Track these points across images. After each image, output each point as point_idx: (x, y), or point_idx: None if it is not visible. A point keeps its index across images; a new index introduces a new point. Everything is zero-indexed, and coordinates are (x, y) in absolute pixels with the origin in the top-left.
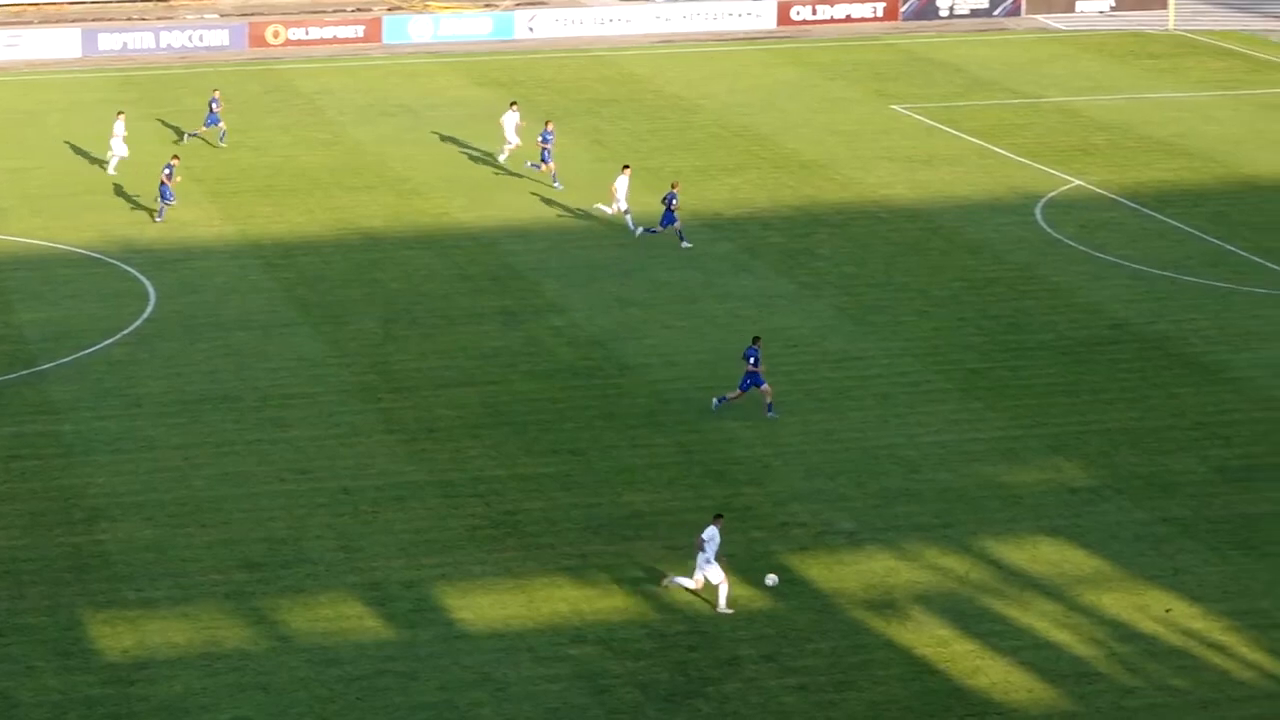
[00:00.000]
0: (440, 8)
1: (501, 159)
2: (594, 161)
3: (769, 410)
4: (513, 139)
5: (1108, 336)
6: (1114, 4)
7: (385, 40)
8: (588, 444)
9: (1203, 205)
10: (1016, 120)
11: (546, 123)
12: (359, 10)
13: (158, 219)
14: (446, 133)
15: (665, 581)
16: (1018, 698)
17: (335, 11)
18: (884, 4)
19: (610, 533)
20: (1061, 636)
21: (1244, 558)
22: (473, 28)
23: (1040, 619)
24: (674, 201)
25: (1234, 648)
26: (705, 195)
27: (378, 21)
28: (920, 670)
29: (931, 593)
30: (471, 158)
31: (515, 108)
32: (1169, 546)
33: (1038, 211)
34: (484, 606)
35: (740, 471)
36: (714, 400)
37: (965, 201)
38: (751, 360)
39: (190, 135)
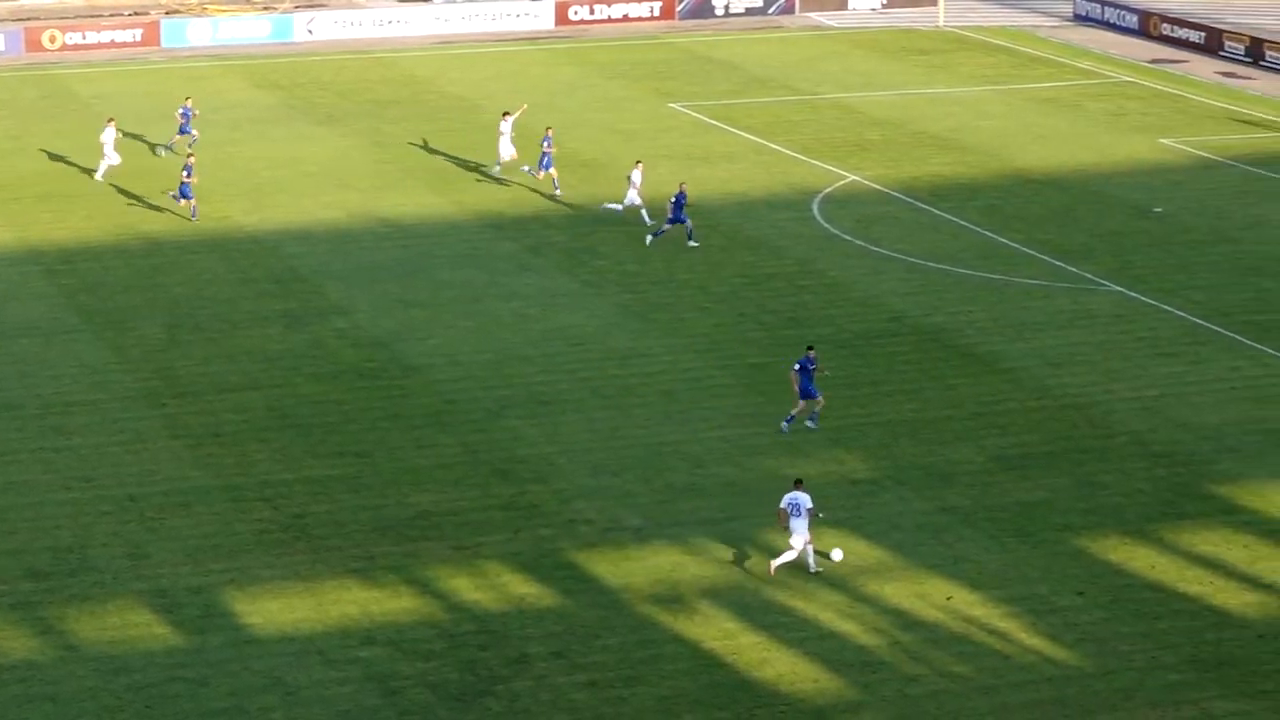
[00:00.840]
0: (219, 10)
1: (495, 170)
2: (376, 163)
3: (811, 420)
4: (508, 151)
5: (886, 330)
6: (885, 2)
7: (164, 44)
8: (373, 446)
9: (976, 199)
10: (793, 117)
11: (547, 129)
12: (136, 14)
13: (193, 218)
14: (227, 136)
15: (773, 571)
16: (804, 688)
17: (112, 15)
18: (660, 3)
19: (398, 534)
20: (846, 627)
21: (1021, 545)
22: (252, 30)
23: (825, 610)
24: (683, 201)
25: (1013, 633)
26: (488, 195)
27: (155, 25)
28: (708, 663)
29: (718, 586)
30: (252, 161)
31: (508, 117)
32: (949, 535)
33: (815, 207)
34: (273, 611)
35: (526, 470)
36: (783, 424)
37: (743, 198)
38: (806, 369)
39: (165, 148)
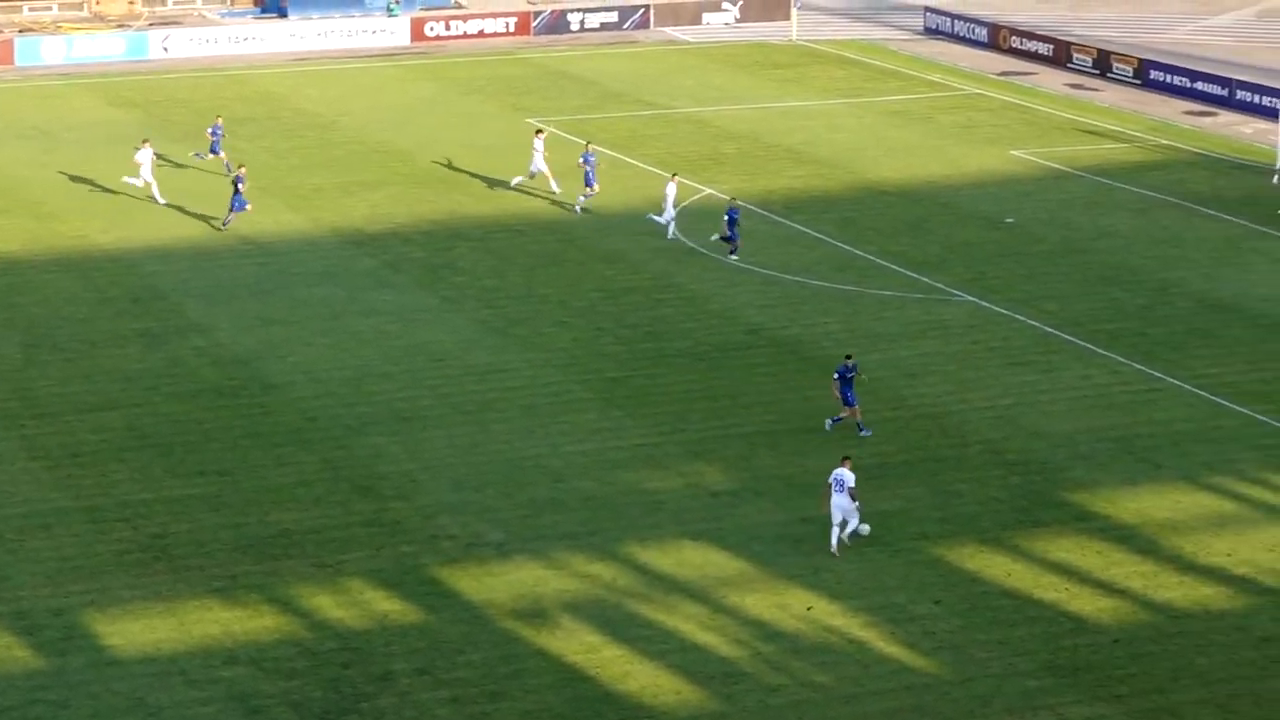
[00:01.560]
0: (73, 29)
1: (515, 182)
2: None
3: (861, 429)
4: (541, 166)
5: (743, 342)
6: (739, 16)
7: (18, 63)
8: (234, 464)
9: (830, 211)
10: (649, 131)
11: (587, 144)
12: None
13: (223, 226)
14: (83, 155)
15: (835, 552)
16: (666, 700)
17: None
18: (516, 19)
19: (259, 552)
20: (707, 638)
21: (879, 554)
22: (106, 48)
23: (687, 622)
24: (736, 216)
25: (872, 642)
26: (346, 211)
27: (9, 43)
28: (571, 677)
29: (580, 600)
30: (109, 179)
31: (541, 135)
32: (808, 546)
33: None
34: (134, 631)
35: (388, 486)
36: (827, 421)
37: (601, 212)
38: (845, 376)
39: (198, 155)
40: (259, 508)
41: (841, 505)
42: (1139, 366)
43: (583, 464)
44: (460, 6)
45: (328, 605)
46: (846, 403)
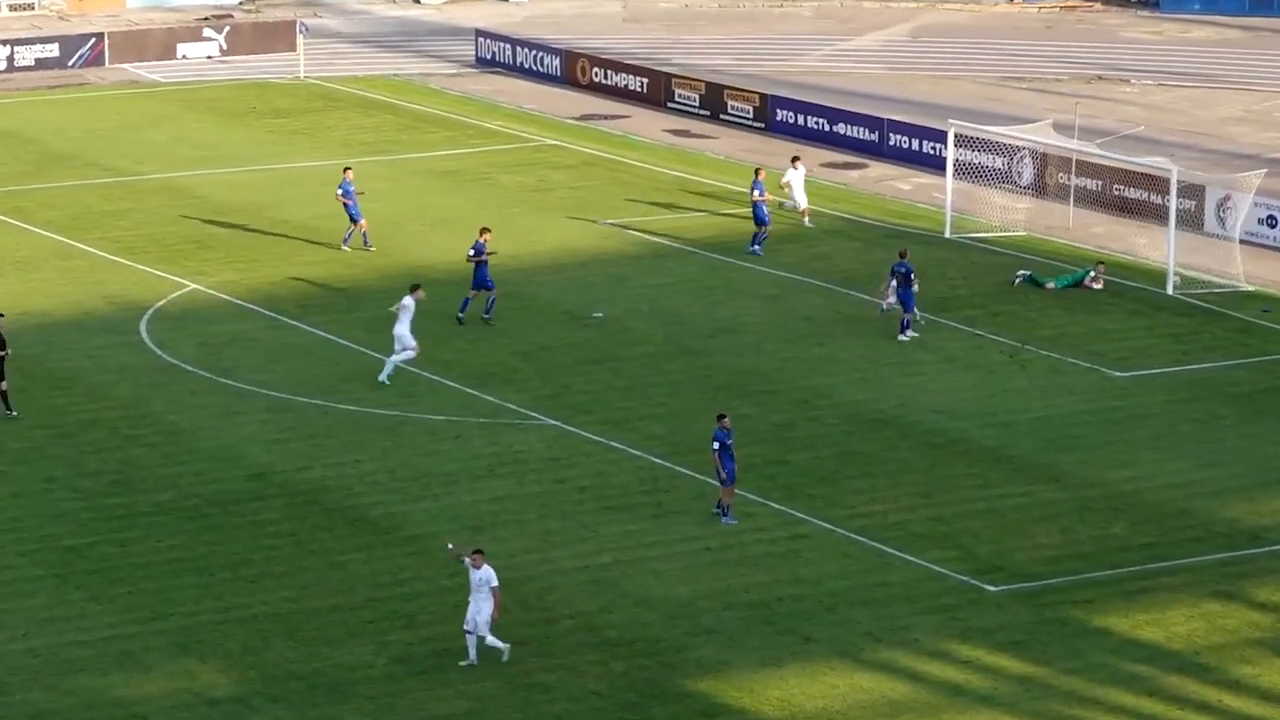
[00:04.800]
0: None
1: (805, 220)
2: None
3: (725, 515)
4: (800, 199)
5: (246, 491)
6: (225, 47)
7: None
8: None
9: (360, 308)
10: (109, 206)
11: (757, 171)
12: None
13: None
14: None
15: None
16: None
17: None
18: None
19: None
20: None
21: None
22: None
23: None
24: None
25: None
26: None
27: None
28: None
29: None
30: None
31: (799, 163)
32: None
33: (143, 328)
34: None
35: None
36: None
37: (45, 319)
38: (725, 444)
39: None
40: None
41: (478, 611)
42: (778, 506)
43: (31, 667)
44: None
45: None
46: (733, 478)
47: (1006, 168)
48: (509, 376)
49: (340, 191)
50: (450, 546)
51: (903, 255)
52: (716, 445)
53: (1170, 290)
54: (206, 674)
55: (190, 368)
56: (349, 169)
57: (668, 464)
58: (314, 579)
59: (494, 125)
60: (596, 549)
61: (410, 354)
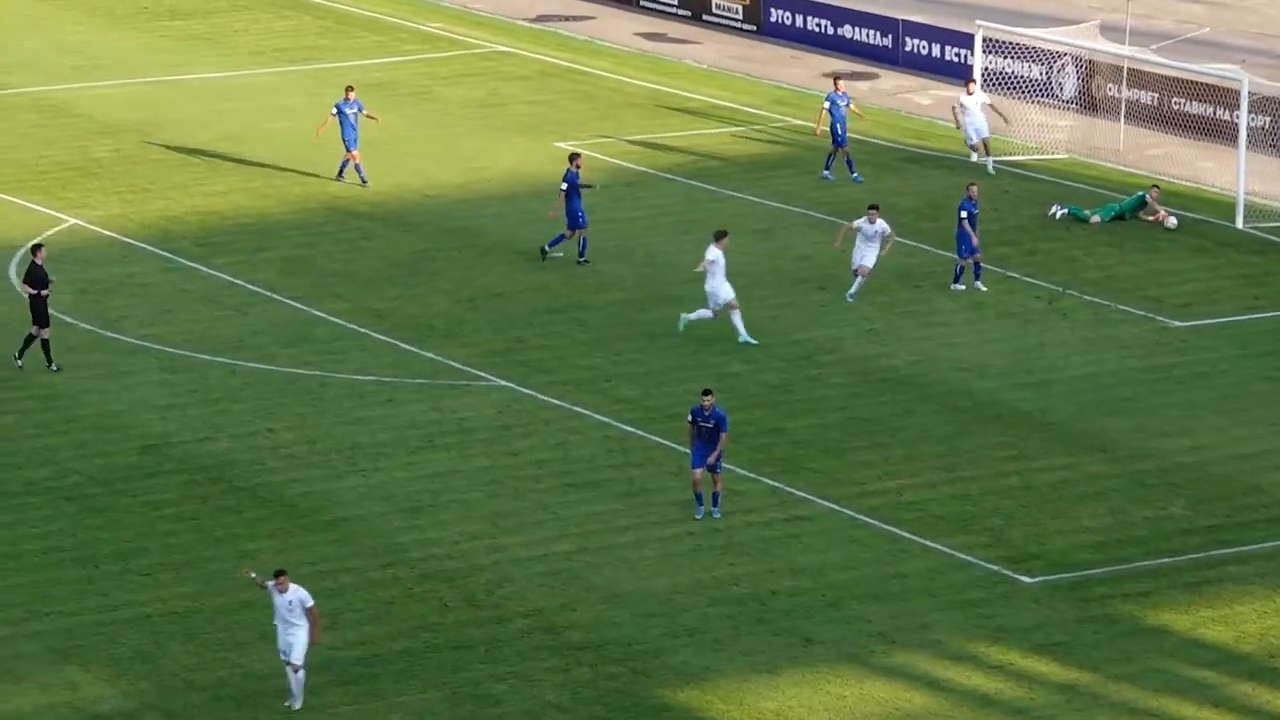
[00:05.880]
0: None
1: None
2: None
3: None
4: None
5: (138, 466)
6: None
7: None
8: None
9: (272, 246)
10: None
11: (836, 80)
12: None
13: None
14: None
15: None
16: None
17: None
18: None
19: None
20: None
21: None
22: None
23: None
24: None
25: None
26: None
27: None
28: None
29: None
30: None
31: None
32: None
33: (12, 272)
34: None
35: None
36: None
37: None
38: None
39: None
40: None
41: (293, 638)
42: (773, 483)
43: None
44: None
45: None
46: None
47: (1045, 78)
48: (452, 329)
49: (334, 112)
50: (251, 574)
51: (706, 394)
52: (690, 418)
53: (1239, 223)
54: (90, 684)
55: (69, 319)
56: (351, 88)
57: (641, 433)
58: (218, 571)
59: (433, 28)
60: (557, 534)
61: (709, 314)
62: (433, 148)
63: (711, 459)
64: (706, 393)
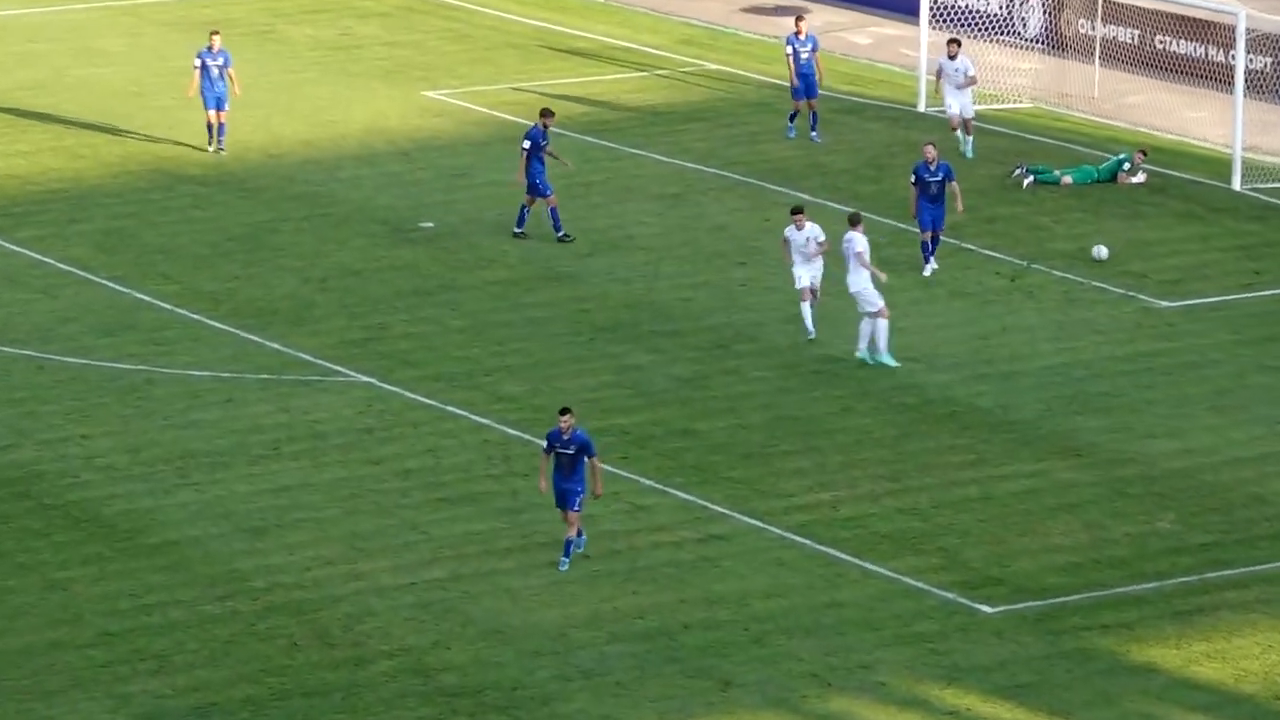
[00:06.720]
0: None
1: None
2: None
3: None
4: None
5: None
6: None
7: None
8: None
9: (88, 218)
10: None
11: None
12: None
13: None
14: None
15: None
16: None
17: None
18: None
19: None
20: None
21: None
22: None
23: None
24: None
25: None
26: None
27: None
28: None
29: None
30: None
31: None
32: None
33: None
34: None
35: None
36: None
37: None
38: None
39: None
40: None
41: None
42: (684, 495)
43: None
44: None
45: None
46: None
47: (1005, 12)
48: (301, 314)
49: (197, 64)
50: None
51: (928, 157)
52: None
53: (1237, 185)
54: None
55: None
56: (216, 33)
57: (526, 436)
58: (23, 605)
59: None
60: (427, 558)
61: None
62: (276, 98)
63: (598, 490)
64: (565, 412)
